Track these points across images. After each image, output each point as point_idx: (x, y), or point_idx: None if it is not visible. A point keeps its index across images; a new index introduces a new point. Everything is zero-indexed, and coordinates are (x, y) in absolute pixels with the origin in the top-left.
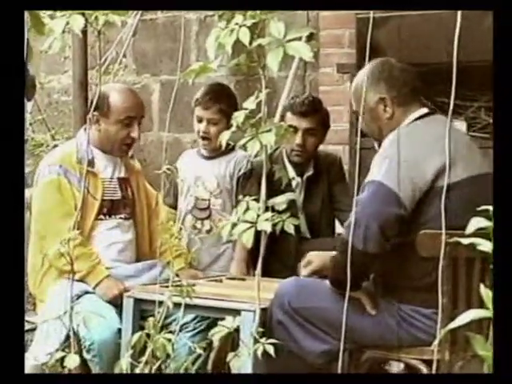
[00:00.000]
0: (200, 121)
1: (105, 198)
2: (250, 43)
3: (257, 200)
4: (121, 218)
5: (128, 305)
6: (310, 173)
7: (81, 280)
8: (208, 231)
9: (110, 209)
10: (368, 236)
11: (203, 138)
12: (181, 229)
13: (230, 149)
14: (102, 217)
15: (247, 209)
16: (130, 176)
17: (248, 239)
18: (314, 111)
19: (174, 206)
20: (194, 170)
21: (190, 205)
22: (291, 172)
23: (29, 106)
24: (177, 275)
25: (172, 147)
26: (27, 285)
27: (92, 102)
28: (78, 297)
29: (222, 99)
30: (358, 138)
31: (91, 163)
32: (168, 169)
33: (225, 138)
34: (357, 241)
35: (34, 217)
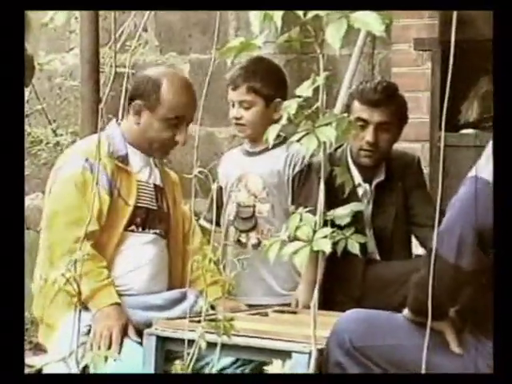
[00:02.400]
0: (232, 104)
1: (139, 204)
2: (305, 14)
3: (313, 212)
4: (155, 233)
5: (150, 344)
6: (380, 178)
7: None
8: (255, 246)
9: (144, 219)
10: (463, 247)
11: (236, 125)
12: (225, 245)
13: (280, 142)
14: (133, 228)
15: (300, 223)
16: (165, 186)
17: (301, 262)
18: (389, 100)
19: (218, 222)
20: (235, 170)
21: (231, 214)
22: (357, 177)
23: (25, 92)
24: (212, 307)
25: (204, 144)
26: (28, 285)
27: (136, 87)
28: (89, 331)
29: (255, 76)
30: (442, 134)
31: (125, 160)
32: (200, 172)
33: (271, 134)
34: (448, 252)
35: (44, 221)
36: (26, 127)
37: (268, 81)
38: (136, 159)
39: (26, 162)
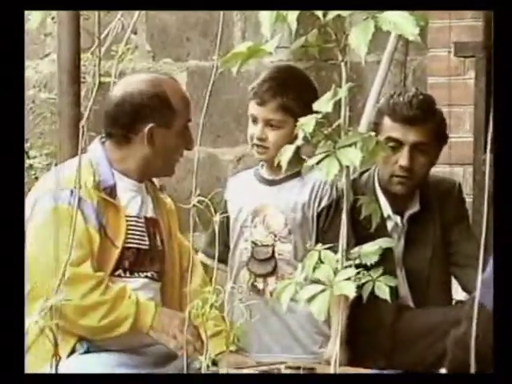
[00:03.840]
0: (254, 120)
1: (128, 245)
2: (325, 14)
3: (334, 249)
4: (147, 276)
5: None
6: (414, 209)
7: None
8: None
9: (133, 262)
10: None
11: (257, 147)
12: (233, 287)
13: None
14: (120, 272)
15: (319, 262)
16: (159, 217)
17: (320, 309)
18: (426, 117)
19: (223, 259)
20: (249, 201)
21: (244, 255)
22: (387, 207)
23: None
24: (214, 363)
25: (205, 168)
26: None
27: (133, 109)
28: None
29: (287, 91)
30: (488, 156)
31: (113, 191)
32: (200, 202)
33: (285, 157)
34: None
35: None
36: None
37: (302, 98)
38: (124, 189)
39: None
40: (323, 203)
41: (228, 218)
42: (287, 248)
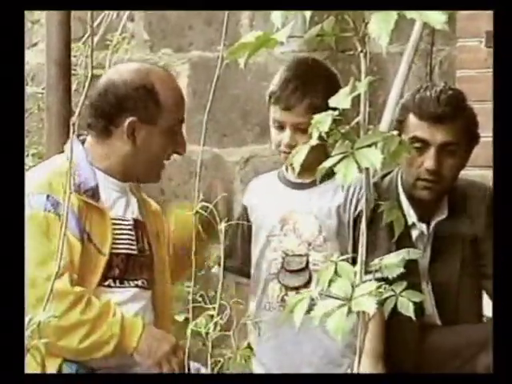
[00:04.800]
0: (281, 127)
1: (116, 250)
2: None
3: (352, 260)
4: (137, 285)
5: None
6: (442, 216)
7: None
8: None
9: (123, 270)
10: None
11: (284, 153)
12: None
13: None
14: (110, 282)
15: (336, 275)
16: (145, 219)
17: (337, 327)
18: (455, 114)
19: (245, 272)
20: (276, 207)
21: (274, 266)
22: (411, 214)
23: None
24: None
25: (208, 171)
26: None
27: (120, 100)
28: None
29: (316, 89)
30: None
31: (95, 193)
32: (204, 208)
33: (299, 158)
34: None
35: None
36: None
37: (331, 93)
38: (108, 189)
39: None
40: (360, 207)
41: (250, 226)
42: (323, 257)
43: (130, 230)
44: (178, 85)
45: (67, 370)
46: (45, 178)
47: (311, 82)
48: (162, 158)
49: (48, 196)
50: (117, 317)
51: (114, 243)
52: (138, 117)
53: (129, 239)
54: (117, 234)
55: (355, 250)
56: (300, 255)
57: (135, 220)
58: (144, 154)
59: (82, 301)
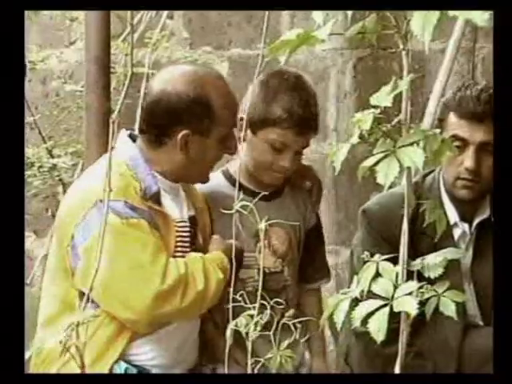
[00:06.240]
0: (279, 150)
1: (176, 254)
2: None
3: (394, 260)
4: None
5: None
6: (484, 216)
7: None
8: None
9: None
10: None
11: (279, 173)
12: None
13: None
14: None
15: (376, 275)
16: (197, 213)
17: (379, 328)
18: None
19: None
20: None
21: (251, 283)
22: (453, 214)
23: None
24: None
25: None
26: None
27: (169, 111)
28: None
29: (319, 111)
30: None
31: (158, 198)
32: (243, 207)
33: (340, 157)
34: None
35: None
36: None
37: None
38: (164, 192)
39: None
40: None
41: None
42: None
43: (187, 230)
44: (230, 90)
45: (117, 370)
46: (118, 183)
47: (317, 105)
48: (215, 162)
49: (126, 202)
50: (217, 273)
51: (175, 246)
52: (192, 130)
53: (186, 238)
54: (178, 236)
55: (302, 265)
56: (275, 272)
57: (190, 218)
58: (197, 163)
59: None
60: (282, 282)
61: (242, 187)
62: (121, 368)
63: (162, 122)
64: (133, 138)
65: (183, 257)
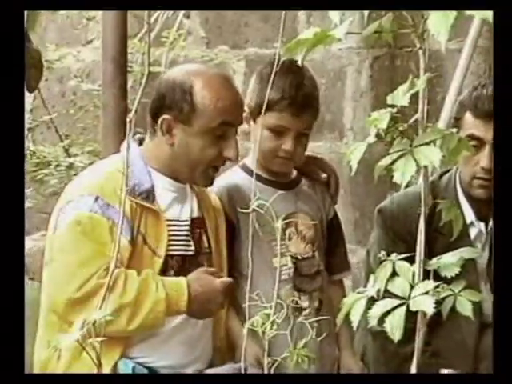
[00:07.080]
0: (280, 132)
1: (172, 252)
2: None
3: (409, 259)
4: None
5: None
6: None
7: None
8: (317, 309)
9: (178, 271)
10: None
11: (285, 159)
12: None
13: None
14: None
15: (393, 275)
16: (205, 215)
17: (396, 327)
18: None
19: None
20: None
21: (286, 270)
22: (469, 213)
23: (29, 99)
24: None
25: None
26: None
27: (159, 97)
28: None
29: (316, 93)
30: None
31: (150, 195)
32: (260, 206)
33: (357, 156)
34: None
35: (44, 282)
36: (29, 145)
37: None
38: (164, 190)
39: (28, 191)
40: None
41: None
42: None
43: (187, 230)
44: (229, 88)
45: (123, 368)
46: (97, 180)
47: (314, 87)
48: (207, 161)
49: (97, 198)
50: (159, 292)
51: (169, 245)
52: (174, 116)
53: (185, 240)
54: (172, 235)
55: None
56: (308, 258)
57: (194, 219)
58: (183, 155)
59: (118, 284)
60: (316, 267)
61: (260, 178)
62: (128, 367)
63: (151, 107)
64: (139, 139)
65: (180, 256)
